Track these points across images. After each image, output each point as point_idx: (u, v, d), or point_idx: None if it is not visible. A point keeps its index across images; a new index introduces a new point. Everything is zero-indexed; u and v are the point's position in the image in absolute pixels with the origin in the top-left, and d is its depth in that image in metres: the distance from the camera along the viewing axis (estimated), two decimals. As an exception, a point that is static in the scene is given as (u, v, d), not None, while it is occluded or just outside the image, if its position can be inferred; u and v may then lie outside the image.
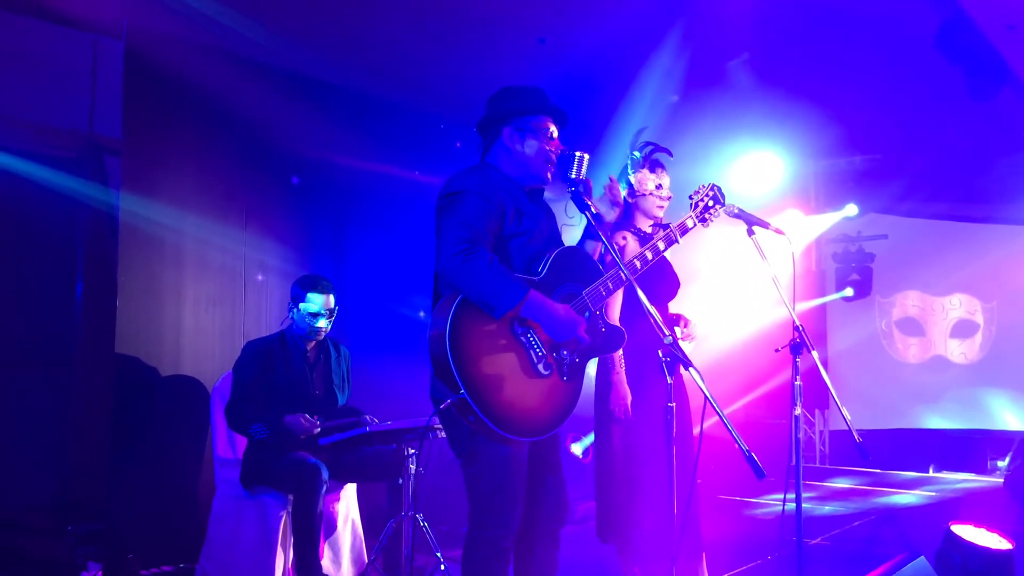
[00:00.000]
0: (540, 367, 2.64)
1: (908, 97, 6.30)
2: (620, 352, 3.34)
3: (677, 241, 3.05)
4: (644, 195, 3.49)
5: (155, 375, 4.60)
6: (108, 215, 5.11)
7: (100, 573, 4.12)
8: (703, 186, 3.17)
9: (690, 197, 3.17)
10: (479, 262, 2.53)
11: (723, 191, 3.18)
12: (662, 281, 3.52)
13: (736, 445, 2.43)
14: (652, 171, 3.50)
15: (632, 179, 3.50)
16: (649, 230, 3.52)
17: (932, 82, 5.96)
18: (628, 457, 3.39)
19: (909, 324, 8.35)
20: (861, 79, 6.03)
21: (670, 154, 3.58)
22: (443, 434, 3.81)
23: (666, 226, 3.12)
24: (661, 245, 3.01)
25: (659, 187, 3.50)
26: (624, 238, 3.44)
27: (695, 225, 3.13)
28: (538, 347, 2.64)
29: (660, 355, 2.54)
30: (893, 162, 7.83)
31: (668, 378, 2.58)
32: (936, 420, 8.02)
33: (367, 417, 4.17)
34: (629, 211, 3.55)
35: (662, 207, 3.52)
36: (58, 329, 5.09)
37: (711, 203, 3.14)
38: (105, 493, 4.60)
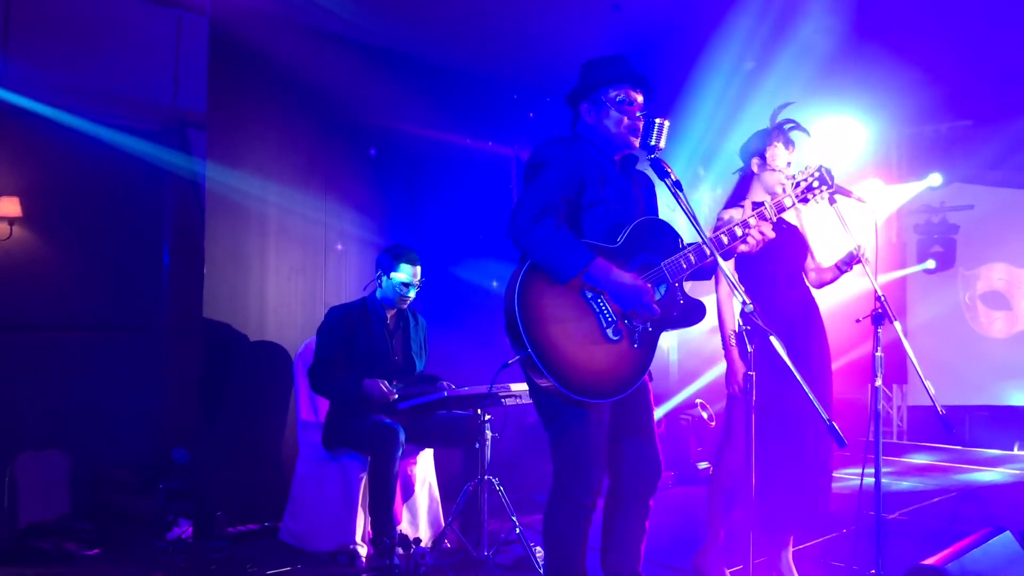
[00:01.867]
0: (609, 332, 2.65)
1: (1001, 60, 6.03)
2: (731, 330, 3.34)
3: (771, 220, 2.85)
4: (773, 170, 3.45)
5: (241, 341, 4.75)
6: (193, 185, 5.29)
7: (190, 529, 4.32)
8: (809, 167, 2.96)
9: (793, 177, 2.99)
10: (547, 228, 2.57)
11: (831, 174, 2.95)
12: (786, 248, 3.47)
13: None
14: (787, 147, 3.47)
15: (767, 151, 3.46)
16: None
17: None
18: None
19: (994, 297, 8.06)
20: (952, 41, 5.79)
21: (808, 134, 3.54)
22: (509, 401, 3.91)
23: (759, 204, 2.96)
24: (752, 222, 2.83)
25: (789, 164, 3.46)
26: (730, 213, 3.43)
27: (793, 205, 2.93)
28: (608, 313, 2.66)
29: (739, 324, 2.55)
30: (982, 129, 7.50)
31: (748, 346, 2.59)
32: (1023, 397, 7.76)
33: (443, 383, 4.26)
34: (748, 182, 3.54)
35: (783, 186, 3.40)
36: (147, 295, 5.30)
37: (816, 184, 2.93)
38: (194, 453, 4.81)
